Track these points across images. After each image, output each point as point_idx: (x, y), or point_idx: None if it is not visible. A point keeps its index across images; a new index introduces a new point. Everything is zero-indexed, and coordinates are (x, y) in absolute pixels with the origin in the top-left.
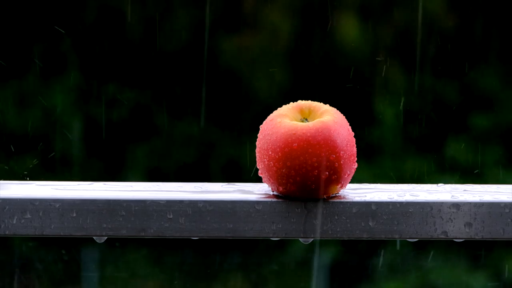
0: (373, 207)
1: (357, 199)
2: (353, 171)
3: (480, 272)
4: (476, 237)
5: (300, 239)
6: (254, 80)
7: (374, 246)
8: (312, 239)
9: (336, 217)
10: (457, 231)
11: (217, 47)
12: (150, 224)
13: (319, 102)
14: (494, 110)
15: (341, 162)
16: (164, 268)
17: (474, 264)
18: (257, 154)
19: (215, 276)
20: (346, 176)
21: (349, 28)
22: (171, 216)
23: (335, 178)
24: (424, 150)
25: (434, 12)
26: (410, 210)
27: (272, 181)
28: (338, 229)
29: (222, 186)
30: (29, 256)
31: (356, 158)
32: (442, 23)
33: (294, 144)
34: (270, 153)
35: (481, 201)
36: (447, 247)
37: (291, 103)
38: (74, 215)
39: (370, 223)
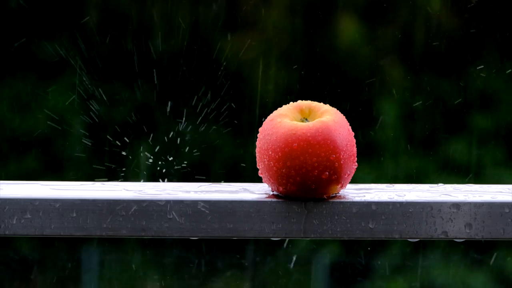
0: (373, 207)
1: (357, 199)
2: (353, 171)
3: (480, 272)
4: (476, 237)
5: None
6: (254, 80)
7: (374, 246)
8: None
9: (336, 217)
10: (457, 231)
11: (218, 47)
12: (150, 224)
13: (319, 102)
14: (494, 110)
15: (341, 162)
16: (164, 268)
17: (474, 264)
18: (257, 154)
19: (215, 276)
20: (346, 176)
21: (349, 28)
22: (171, 216)
23: (335, 178)
24: (424, 150)
25: (435, 11)
26: (410, 210)
27: (272, 181)
28: (338, 229)
29: (222, 186)
30: (29, 256)
31: (356, 158)
32: (443, 23)
33: (294, 144)
34: (270, 153)
35: (481, 201)
36: (447, 247)
37: (291, 103)
38: (74, 215)
39: (370, 223)
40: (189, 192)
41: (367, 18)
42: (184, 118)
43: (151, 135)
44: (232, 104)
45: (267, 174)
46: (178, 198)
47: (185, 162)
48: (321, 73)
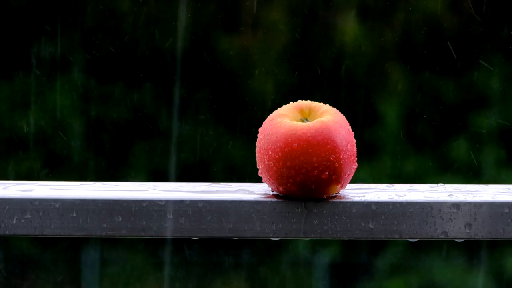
0: (373, 207)
1: (357, 199)
2: (353, 171)
3: (480, 272)
4: (476, 237)
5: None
6: (254, 80)
7: (374, 246)
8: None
9: (336, 217)
10: (457, 231)
11: (217, 47)
12: (150, 224)
13: (319, 102)
14: (495, 110)
15: (341, 162)
16: (164, 268)
17: (474, 264)
18: (257, 154)
19: (215, 276)
20: (346, 176)
21: (349, 28)
22: (171, 216)
23: (335, 178)
24: (424, 150)
25: (435, 11)
26: (410, 210)
27: (272, 181)
28: (338, 229)
29: (222, 186)
30: (29, 256)
31: (356, 158)
32: (443, 23)
33: (294, 144)
34: (270, 153)
35: (481, 201)
36: (447, 247)
37: (291, 103)
38: (74, 215)
39: (370, 223)
40: (189, 192)
41: (368, 17)
42: (183, 118)
43: (151, 135)
44: (232, 104)
45: (267, 174)
46: (178, 198)
47: (185, 162)
48: (321, 73)
